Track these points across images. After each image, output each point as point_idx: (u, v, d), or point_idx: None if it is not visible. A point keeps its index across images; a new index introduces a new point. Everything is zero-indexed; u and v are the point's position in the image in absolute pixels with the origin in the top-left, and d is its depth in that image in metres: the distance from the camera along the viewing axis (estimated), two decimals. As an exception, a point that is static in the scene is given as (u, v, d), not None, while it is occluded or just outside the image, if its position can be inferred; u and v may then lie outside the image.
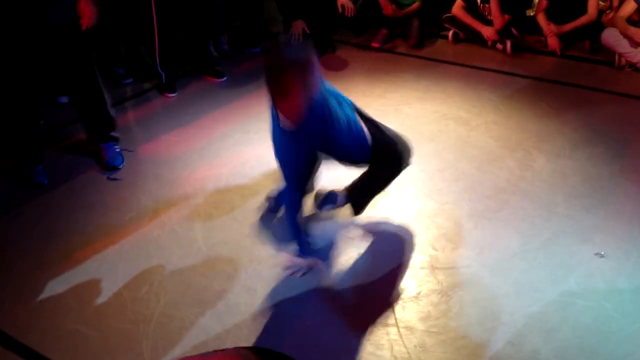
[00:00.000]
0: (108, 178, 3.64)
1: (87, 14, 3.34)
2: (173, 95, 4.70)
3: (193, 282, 2.81)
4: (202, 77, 4.97)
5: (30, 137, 3.57)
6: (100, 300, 2.73)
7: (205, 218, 3.24)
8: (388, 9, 5.59)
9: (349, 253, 2.97)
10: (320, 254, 2.92)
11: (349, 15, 5.38)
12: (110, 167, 3.70)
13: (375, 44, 5.61)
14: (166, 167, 3.72)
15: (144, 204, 3.38)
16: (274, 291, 2.75)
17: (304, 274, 2.80)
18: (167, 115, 4.40)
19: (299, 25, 5.26)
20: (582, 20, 5.27)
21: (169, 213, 3.29)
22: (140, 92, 4.76)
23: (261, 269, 2.88)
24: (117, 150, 3.80)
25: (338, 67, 5.21)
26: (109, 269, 2.91)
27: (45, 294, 2.76)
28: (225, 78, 4.95)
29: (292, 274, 2.80)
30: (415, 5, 5.63)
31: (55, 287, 2.80)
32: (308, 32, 5.29)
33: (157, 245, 3.05)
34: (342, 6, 5.35)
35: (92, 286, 2.80)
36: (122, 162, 3.76)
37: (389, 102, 4.47)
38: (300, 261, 2.80)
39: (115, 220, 3.25)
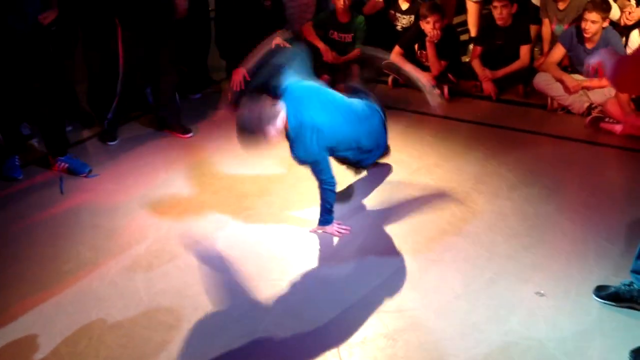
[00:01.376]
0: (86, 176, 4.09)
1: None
2: (113, 143, 4.63)
3: (134, 335, 2.73)
4: (168, 132, 4.80)
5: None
6: (38, 356, 2.62)
7: (146, 268, 3.17)
8: (328, 55, 5.69)
9: (295, 297, 2.94)
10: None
11: (330, 61, 5.46)
12: (83, 174, 4.09)
13: None
14: (105, 216, 3.64)
15: (82, 254, 3.29)
16: (216, 340, 2.69)
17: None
18: (107, 163, 4.32)
19: (238, 74, 5.26)
20: (515, 65, 5.47)
21: (108, 264, 3.20)
22: (78, 140, 4.67)
23: (203, 318, 2.81)
24: (77, 159, 4.21)
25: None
26: (46, 323, 2.80)
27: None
28: (191, 134, 4.78)
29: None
30: (355, 52, 5.76)
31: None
32: (249, 79, 5.31)
33: (96, 298, 2.96)
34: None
35: (28, 342, 2.69)
36: (88, 167, 4.15)
37: (332, 147, 4.51)
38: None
39: (52, 272, 3.14)
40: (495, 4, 5.39)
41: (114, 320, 2.81)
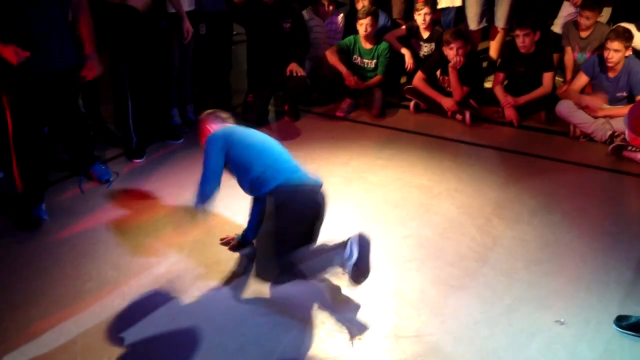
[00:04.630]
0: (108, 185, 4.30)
1: (95, 70, 3.92)
2: (140, 160, 4.71)
3: (153, 355, 2.75)
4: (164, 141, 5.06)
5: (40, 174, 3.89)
6: (57, 373, 2.65)
7: (167, 287, 3.20)
8: (350, 80, 5.74)
9: (312, 319, 2.94)
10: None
11: (301, 75, 5.51)
12: (103, 182, 4.30)
13: (339, 113, 5.73)
14: (129, 235, 3.69)
15: (104, 273, 3.33)
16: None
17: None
18: (133, 181, 4.39)
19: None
20: (538, 92, 5.48)
21: (129, 282, 3.24)
22: (105, 158, 4.73)
23: (223, 338, 2.83)
24: (103, 167, 4.40)
25: (302, 134, 5.30)
26: (67, 341, 2.83)
27: (-1, 367, 2.68)
28: (182, 140, 5.06)
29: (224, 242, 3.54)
30: (377, 78, 5.81)
31: (12, 359, 2.71)
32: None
33: (117, 316, 2.99)
34: (291, 72, 5.49)
35: (49, 359, 2.72)
36: (110, 174, 4.38)
37: (353, 170, 4.54)
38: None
39: (74, 289, 3.18)
40: (518, 32, 5.42)
41: (133, 340, 2.83)
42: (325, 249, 3.03)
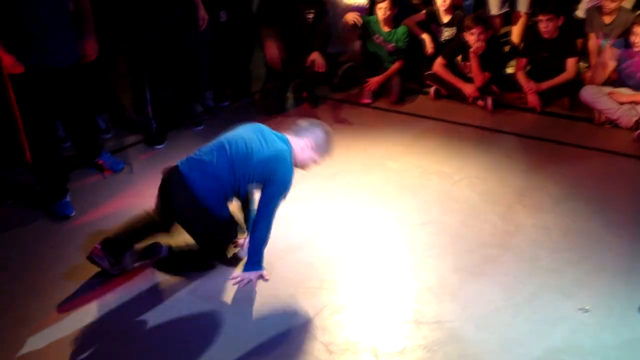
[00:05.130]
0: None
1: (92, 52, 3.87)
2: (160, 147, 4.72)
3: (176, 337, 2.76)
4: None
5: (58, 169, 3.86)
6: (81, 356, 2.66)
7: (190, 272, 3.21)
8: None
9: (332, 307, 2.94)
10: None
11: (320, 71, 5.45)
12: (117, 171, 4.29)
13: (365, 101, 5.68)
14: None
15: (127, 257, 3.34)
16: (258, 344, 2.71)
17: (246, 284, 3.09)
18: (152, 168, 4.38)
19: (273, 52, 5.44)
20: (561, 78, 5.41)
21: (153, 267, 3.24)
22: (121, 146, 4.75)
23: (245, 322, 2.84)
24: (110, 155, 4.39)
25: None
26: (90, 324, 2.85)
27: (25, 350, 2.69)
28: (202, 127, 5.05)
29: (236, 283, 3.10)
30: (397, 64, 5.76)
31: (36, 342, 2.73)
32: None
33: (140, 300, 3.00)
34: (313, 61, 5.44)
35: (72, 342, 2.74)
36: (123, 162, 4.38)
37: (373, 157, 4.52)
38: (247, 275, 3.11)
39: (97, 274, 3.19)
40: (541, 17, 5.34)
41: (156, 323, 2.85)
42: None
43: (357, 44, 5.83)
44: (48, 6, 3.50)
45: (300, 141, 3.14)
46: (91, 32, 3.85)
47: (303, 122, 3.23)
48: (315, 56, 5.40)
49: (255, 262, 3.12)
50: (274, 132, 3.19)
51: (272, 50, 5.39)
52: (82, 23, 3.81)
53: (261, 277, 3.12)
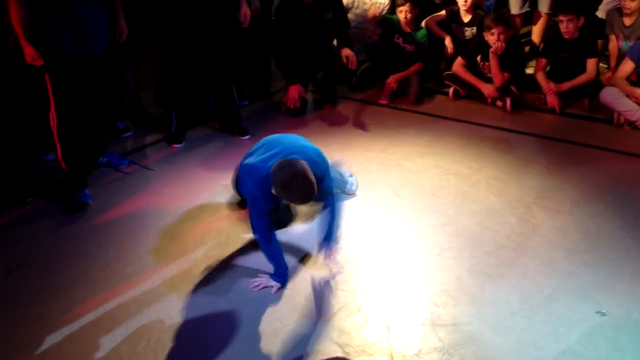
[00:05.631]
0: (142, 165, 4.43)
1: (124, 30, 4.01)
2: (179, 145, 4.76)
3: (192, 337, 2.79)
4: (228, 134, 4.97)
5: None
6: (99, 355, 2.70)
7: (206, 272, 3.24)
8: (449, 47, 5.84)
9: (349, 308, 2.95)
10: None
11: (352, 68, 5.44)
12: (123, 168, 4.35)
13: (383, 101, 5.68)
14: (169, 220, 3.73)
15: (145, 257, 3.39)
16: (274, 344, 2.73)
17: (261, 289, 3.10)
18: (171, 167, 4.44)
19: (295, 91, 5.34)
20: (581, 79, 5.36)
21: (170, 266, 3.29)
22: (142, 145, 4.81)
23: (261, 323, 2.86)
24: (114, 153, 4.42)
25: (340, 121, 5.28)
26: (108, 323, 2.89)
27: (43, 347, 2.74)
28: (249, 137, 4.89)
29: (254, 286, 3.11)
30: (416, 66, 5.74)
31: (55, 340, 2.78)
32: (305, 96, 5.38)
33: (156, 300, 3.04)
34: (347, 57, 5.42)
35: (91, 341, 2.78)
36: (126, 159, 4.42)
37: (391, 157, 4.52)
38: (267, 280, 3.12)
39: (116, 272, 3.25)
40: (561, 17, 5.31)
41: (172, 322, 2.88)
42: None
43: (377, 39, 5.88)
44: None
45: None
46: (122, 12, 3.98)
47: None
48: (348, 52, 5.37)
49: (279, 274, 3.13)
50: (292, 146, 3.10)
51: (295, 94, 5.35)
52: (113, 4, 3.91)
53: (279, 289, 3.11)
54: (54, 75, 3.61)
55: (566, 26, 5.29)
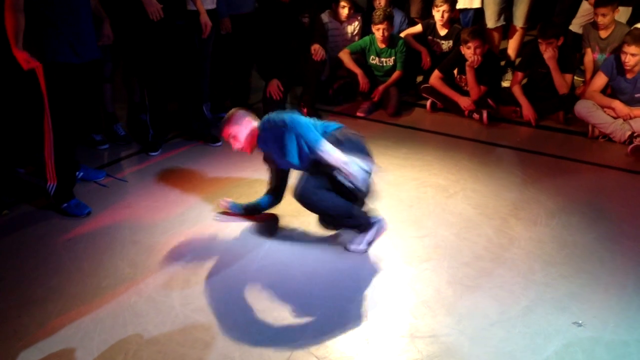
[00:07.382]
0: (116, 177, 4.42)
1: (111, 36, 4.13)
2: (155, 154, 4.76)
3: (169, 351, 2.76)
4: (201, 142, 5.08)
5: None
6: (74, 369, 2.67)
7: (183, 285, 3.21)
8: (364, 84, 5.74)
9: (328, 319, 2.94)
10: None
11: (318, 60, 5.50)
12: (101, 181, 4.33)
13: (360, 114, 5.71)
14: (145, 232, 3.70)
15: (121, 270, 3.35)
16: (252, 357, 2.71)
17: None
18: (147, 179, 4.41)
19: (274, 84, 5.40)
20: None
21: (146, 280, 3.25)
22: (118, 158, 4.79)
23: (239, 336, 2.84)
24: (88, 168, 4.40)
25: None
26: (84, 337, 2.84)
27: (16, 363, 2.69)
28: (220, 143, 5.00)
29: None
30: (396, 74, 5.79)
31: (29, 356, 2.72)
32: (282, 89, 5.41)
33: (133, 313, 3.00)
34: (314, 49, 5.47)
35: (66, 356, 2.73)
36: (103, 173, 4.43)
37: (369, 170, 4.52)
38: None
39: (91, 286, 3.20)
40: (541, 41, 5.36)
41: (150, 336, 2.85)
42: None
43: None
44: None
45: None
46: (107, 19, 4.11)
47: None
48: (316, 46, 5.46)
49: None
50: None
51: (274, 87, 5.44)
52: (97, 11, 4.00)
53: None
54: (51, 85, 3.60)
55: (545, 49, 5.35)
